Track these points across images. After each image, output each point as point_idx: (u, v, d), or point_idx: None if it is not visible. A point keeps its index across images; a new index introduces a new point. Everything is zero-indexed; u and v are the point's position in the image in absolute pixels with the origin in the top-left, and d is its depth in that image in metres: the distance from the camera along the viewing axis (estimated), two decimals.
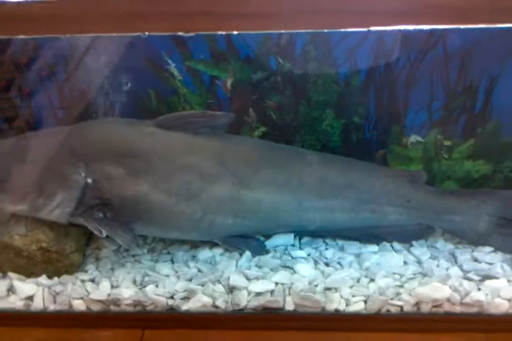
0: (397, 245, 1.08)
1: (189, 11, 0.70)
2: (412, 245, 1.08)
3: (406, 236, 1.07)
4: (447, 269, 1.01)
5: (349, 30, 0.74)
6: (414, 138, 1.09)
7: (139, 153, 0.97)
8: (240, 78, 1.07)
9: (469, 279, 0.98)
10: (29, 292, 1.01)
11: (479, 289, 0.97)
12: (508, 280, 0.98)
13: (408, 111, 1.08)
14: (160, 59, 1.05)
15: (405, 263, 1.04)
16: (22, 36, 0.75)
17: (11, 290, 1.02)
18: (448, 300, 0.95)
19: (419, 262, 1.03)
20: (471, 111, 1.05)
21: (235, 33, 0.73)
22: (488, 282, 0.97)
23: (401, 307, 0.96)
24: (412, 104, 1.07)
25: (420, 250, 1.06)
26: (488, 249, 1.05)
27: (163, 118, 0.98)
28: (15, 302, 1.00)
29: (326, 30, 0.80)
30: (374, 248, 1.07)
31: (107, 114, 1.09)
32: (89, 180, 0.96)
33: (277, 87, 1.07)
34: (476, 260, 1.03)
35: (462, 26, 0.72)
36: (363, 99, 1.07)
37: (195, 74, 1.08)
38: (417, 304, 0.96)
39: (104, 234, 0.95)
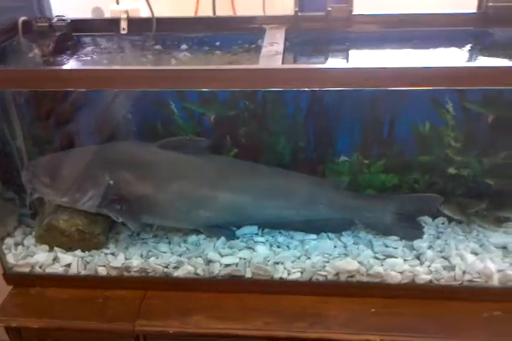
0: (331, 235, 1.25)
1: None
2: (341, 235, 1.25)
3: (337, 228, 1.25)
4: (363, 251, 1.19)
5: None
6: (342, 158, 1.29)
7: (145, 165, 1.20)
8: (220, 114, 1.27)
9: (376, 258, 1.17)
10: (68, 261, 1.20)
11: (382, 265, 1.15)
12: (404, 259, 1.16)
13: (338, 139, 1.27)
14: (166, 101, 1.27)
15: (335, 246, 1.21)
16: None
17: (55, 259, 1.21)
18: (358, 271, 1.14)
19: (345, 246, 1.21)
20: (380, 138, 1.26)
21: None
22: (388, 260, 1.15)
23: (326, 276, 1.15)
24: (340, 133, 1.27)
25: (347, 238, 1.24)
26: (395, 237, 1.23)
27: (163, 141, 1.20)
28: (57, 268, 1.19)
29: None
30: (314, 236, 1.24)
31: (127, 138, 1.31)
32: (111, 182, 1.17)
33: (246, 120, 1.27)
34: (386, 245, 1.21)
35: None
36: (305, 130, 1.27)
37: (189, 112, 1.28)
38: (337, 274, 1.15)
39: (120, 220, 1.18)
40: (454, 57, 1.14)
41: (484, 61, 1.11)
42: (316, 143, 1.29)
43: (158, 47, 1.20)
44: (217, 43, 1.20)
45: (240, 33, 1.24)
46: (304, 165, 1.30)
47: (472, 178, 1.24)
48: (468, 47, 1.17)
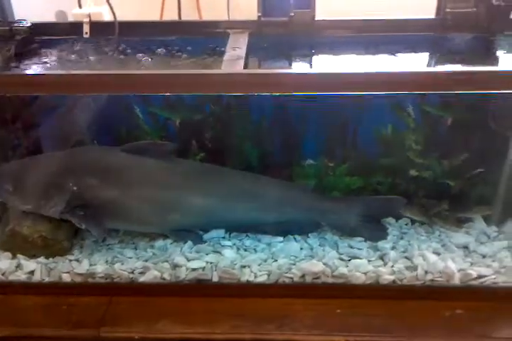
0: (297, 237, 1.25)
1: None
2: (308, 237, 1.26)
3: (304, 230, 1.26)
4: (328, 252, 1.20)
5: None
6: (308, 161, 1.30)
7: (109, 170, 1.18)
8: (185, 118, 1.27)
9: (341, 259, 1.18)
10: (31, 268, 1.17)
11: (347, 266, 1.16)
12: (368, 260, 1.17)
13: (304, 143, 1.29)
14: (131, 106, 1.27)
15: (301, 248, 1.21)
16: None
17: (18, 266, 1.18)
18: (323, 273, 1.14)
19: (311, 248, 1.22)
20: (345, 142, 1.28)
21: None
22: (353, 261, 1.16)
23: (292, 278, 1.15)
24: (306, 138, 1.28)
25: (313, 240, 1.24)
26: (360, 238, 1.24)
27: (128, 145, 1.19)
28: (20, 275, 1.17)
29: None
30: (281, 239, 1.25)
31: (91, 142, 1.30)
32: (75, 188, 1.16)
33: (211, 124, 1.28)
34: (351, 246, 1.22)
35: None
36: (271, 134, 1.29)
37: (154, 116, 1.28)
38: (303, 276, 1.15)
39: (84, 226, 1.16)
40: (414, 62, 1.16)
41: (441, 66, 1.13)
42: (282, 146, 1.30)
43: (120, 51, 1.19)
44: (181, 48, 1.19)
45: (204, 37, 1.24)
46: (271, 169, 1.31)
47: (433, 180, 1.26)
48: (426, 52, 1.19)
